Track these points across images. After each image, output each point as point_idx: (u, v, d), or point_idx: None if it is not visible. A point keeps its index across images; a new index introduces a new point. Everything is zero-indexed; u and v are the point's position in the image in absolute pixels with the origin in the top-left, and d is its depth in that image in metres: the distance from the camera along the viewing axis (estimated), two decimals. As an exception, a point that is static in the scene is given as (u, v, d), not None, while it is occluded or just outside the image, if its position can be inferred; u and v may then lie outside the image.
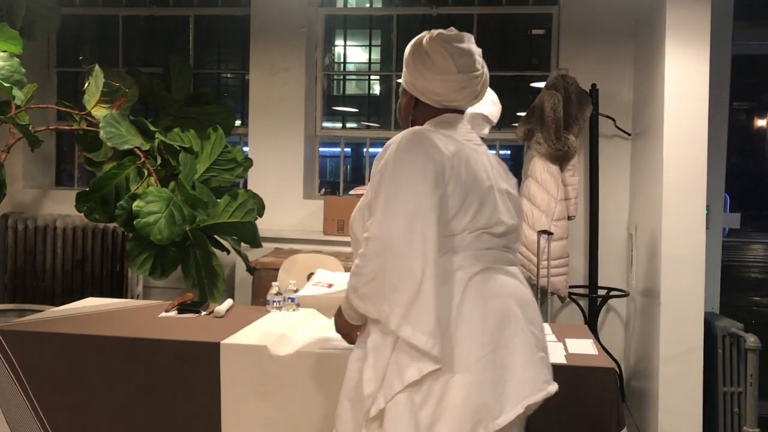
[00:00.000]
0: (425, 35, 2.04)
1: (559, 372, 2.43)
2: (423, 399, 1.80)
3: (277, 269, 3.80)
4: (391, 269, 1.79)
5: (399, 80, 2.18)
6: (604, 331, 4.72)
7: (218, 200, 4.06)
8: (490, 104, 3.26)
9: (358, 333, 2.01)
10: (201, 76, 5.51)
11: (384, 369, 1.83)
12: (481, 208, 1.92)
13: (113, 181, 3.89)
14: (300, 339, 2.67)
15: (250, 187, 4.97)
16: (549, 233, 3.86)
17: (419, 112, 2.06)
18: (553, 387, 1.94)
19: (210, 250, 4.03)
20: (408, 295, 1.78)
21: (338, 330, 2.10)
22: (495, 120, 3.30)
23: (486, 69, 2.06)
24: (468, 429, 1.78)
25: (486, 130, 3.27)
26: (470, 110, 3.17)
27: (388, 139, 2.03)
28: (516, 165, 5.45)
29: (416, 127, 1.98)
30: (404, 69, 2.08)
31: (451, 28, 2.06)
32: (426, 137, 1.92)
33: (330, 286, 2.62)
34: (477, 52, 2.03)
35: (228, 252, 4.36)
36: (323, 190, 5.60)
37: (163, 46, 5.55)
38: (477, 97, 2.06)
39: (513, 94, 5.36)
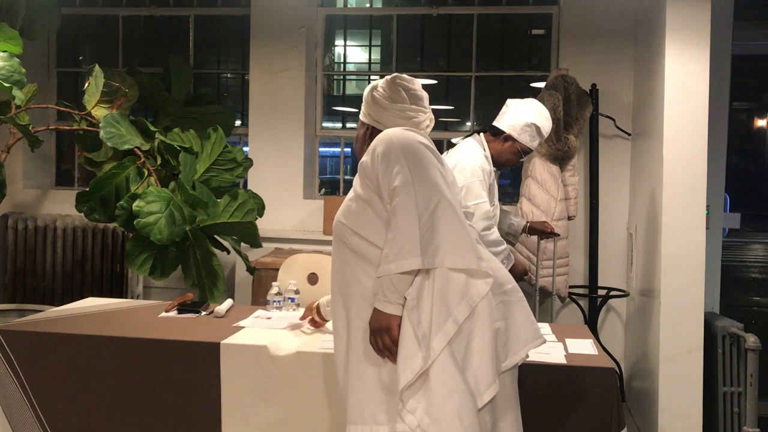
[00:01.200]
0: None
1: (559, 372, 2.44)
2: (457, 347, 2.00)
3: (277, 269, 3.80)
4: (439, 218, 2.01)
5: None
6: (604, 331, 4.72)
7: (218, 200, 4.06)
8: (544, 119, 3.29)
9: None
10: (201, 76, 5.51)
11: (428, 324, 1.98)
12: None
13: (113, 181, 3.88)
14: (300, 339, 2.67)
15: (250, 187, 4.97)
16: (556, 235, 3.85)
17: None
18: (543, 340, 2.21)
19: (210, 250, 4.03)
20: (453, 233, 2.02)
21: (379, 329, 2.06)
22: (545, 135, 3.34)
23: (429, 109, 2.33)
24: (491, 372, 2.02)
25: (535, 143, 3.31)
26: (525, 119, 3.26)
27: None
28: (516, 165, 5.45)
29: (400, 127, 2.19)
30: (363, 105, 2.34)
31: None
32: (413, 133, 2.16)
33: (269, 318, 2.88)
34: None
35: (228, 252, 4.36)
36: (323, 190, 5.60)
37: (163, 46, 5.55)
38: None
39: (513, 94, 5.35)
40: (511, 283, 2.17)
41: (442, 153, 2.34)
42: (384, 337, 2.03)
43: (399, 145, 2.07)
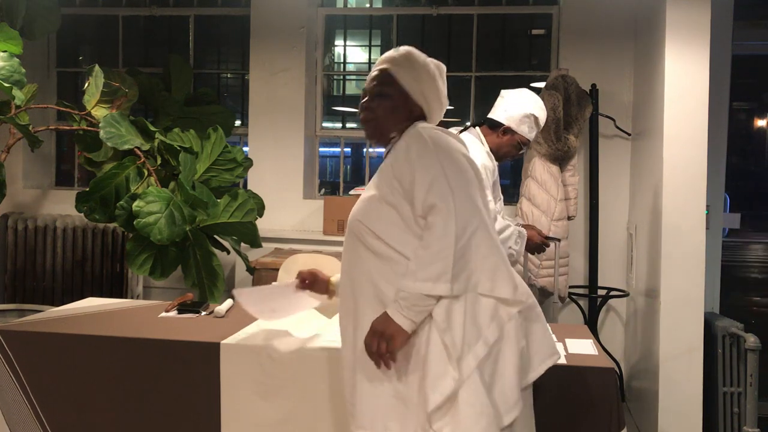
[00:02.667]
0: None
1: (559, 372, 2.44)
2: (485, 368, 1.95)
3: (277, 269, 3.79)
4: (477, 244, 1.92)
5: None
6: (604, 331, 4.72)
7: (218, 200, 4.06)
8: (540, 109, 3.22)
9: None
10: (201, 76, 5.51)
11: (460, 345, 1.91)
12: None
13: (113, 181, 3.88)
14: (300, 339, 2.67)
15: (250, 187, 4.97)
16: (557, 240, 3.76)
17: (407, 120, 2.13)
18: (559, 355, 2.16)
19: (210, 250, 4.03)
20: (491, 261, 1.94)
21: (382, 333, 1.95)
22: (542, 125, 3.28)
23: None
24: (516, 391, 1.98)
25: (533, 134, 3.23)
26: (524, 110, 3.17)
27: None
28: (516, 165, 5.45)
29: (433, 127, 2.08)
30: (408, 74, 2.12)
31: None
32: (452, 139, 2.06)
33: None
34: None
35: (228, 252, 4.36)
36: (323, 190, 5.60)
37: (163, 46, 5.55)
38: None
39: (513, 94, 5.35)
40: (531, 297, 2.09)
41: None
42: (383, 344, 1.94)
43: (440, 155, 1.95)
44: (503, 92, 3.29)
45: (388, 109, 2.11)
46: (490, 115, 3.25)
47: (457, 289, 1.90)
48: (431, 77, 2.12)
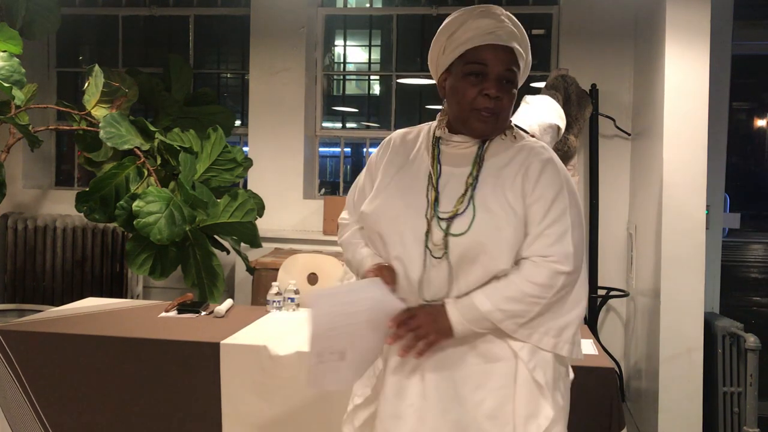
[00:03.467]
0: None
1: (559, 372, 2.43)
2: None
3: (277, 269, 3.80)
4: (573, 295, 1.73)
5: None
6: (604, 331, 4.72)
7: (218, 200, 4.06)
8: (561, 120, 3.16)
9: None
10: (201, 76, 5.51)
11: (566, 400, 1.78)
12: None
13: (113, 181, 3.88)
14: (300, 339, 2.67)
15: (250, 187, 4.97)
16: None
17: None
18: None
19: (210, 250, 4.03)
20: (575, 315, 1.74)
21: (435, 327, 1.69)
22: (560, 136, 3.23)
23: None
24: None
25: (553, 144, 3.16)
26: (549, 120, 3.07)
27: None
28: (516, 165, 5.45)
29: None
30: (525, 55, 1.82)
31: None
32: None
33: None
34: None
35: (228, 252, 4.36)
36: (323, 190, 5.60)
37: (163, 46, 5.55)
38: None
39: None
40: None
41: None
42: (431, 337, 1.68)
43: (572, 202, 1.74)
44: (528, 98, 3.21)
45: (512, 99, 1.80)
46: (512, 120, 3.21)
47: (522, 335, 1.70)
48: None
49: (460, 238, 1.68)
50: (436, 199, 1.74)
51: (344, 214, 2.00)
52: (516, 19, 1.82)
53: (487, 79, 1.73)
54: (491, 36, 1.75)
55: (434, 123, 1.88)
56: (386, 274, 1.74)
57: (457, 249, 1.69)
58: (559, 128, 3.15)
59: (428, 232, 1.71)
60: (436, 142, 1.82)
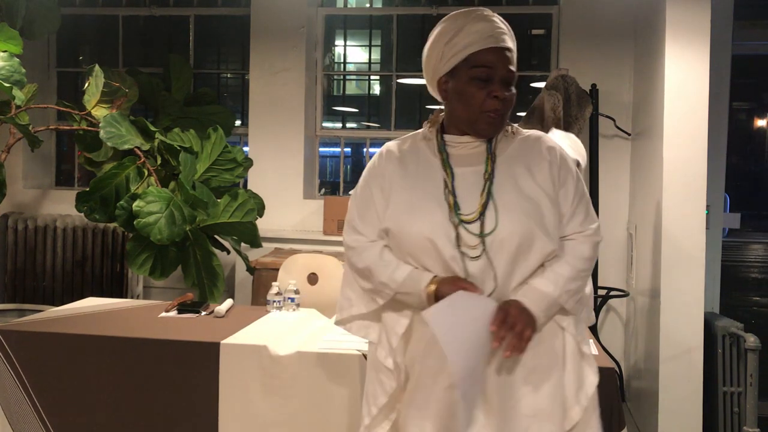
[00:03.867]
0: None
1: (559, 372, 2.42)
2: None
3: (277, 269, 3.80)
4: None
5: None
6: (604, 331, 4.72)
7: (218, 200, 4.06)
8: (583, 159, 3.13)
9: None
10: (201, 76, 5.51)
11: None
12: None
13: (113, 181, 3.88)
14: (300, 339, 2.67)
15: (250, 187, 4.97)
16: None
17: None
18: None
19: (210, 250, 4.03)
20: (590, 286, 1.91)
21: (528, 318, 1.72)
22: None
23: None
24: None
25: None
26: (573, 156, 3.07)
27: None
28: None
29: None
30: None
31: None
32: None
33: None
34: None
35: (228, 252, 4.36)
36: (323, 190, 5.60)
37: (163, 46, 5.55)
38: None
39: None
40: None
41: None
42: (527, 332, 1.70)
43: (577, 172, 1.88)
44: (555, 131, 3.17)
45: (513, 99, 1.88)
46: None
47: (577, 311, 1.83)
48: None
49: (495, 234, 1.73)
50: (456, 203, 1.77)
51: (354, 236, 1.89)
52: (503, 19, 1.89)
53: (493, 81, 1.80)
54: (492, 39, 1.81)
55: (424, 129, 1.90)
56: (461, 283, 1.72)
57: (500, 244, 1.73)
58: (579, 164, 3.12)
59: (458, 237, 1.74)
60: (443, 145, 1.84)
